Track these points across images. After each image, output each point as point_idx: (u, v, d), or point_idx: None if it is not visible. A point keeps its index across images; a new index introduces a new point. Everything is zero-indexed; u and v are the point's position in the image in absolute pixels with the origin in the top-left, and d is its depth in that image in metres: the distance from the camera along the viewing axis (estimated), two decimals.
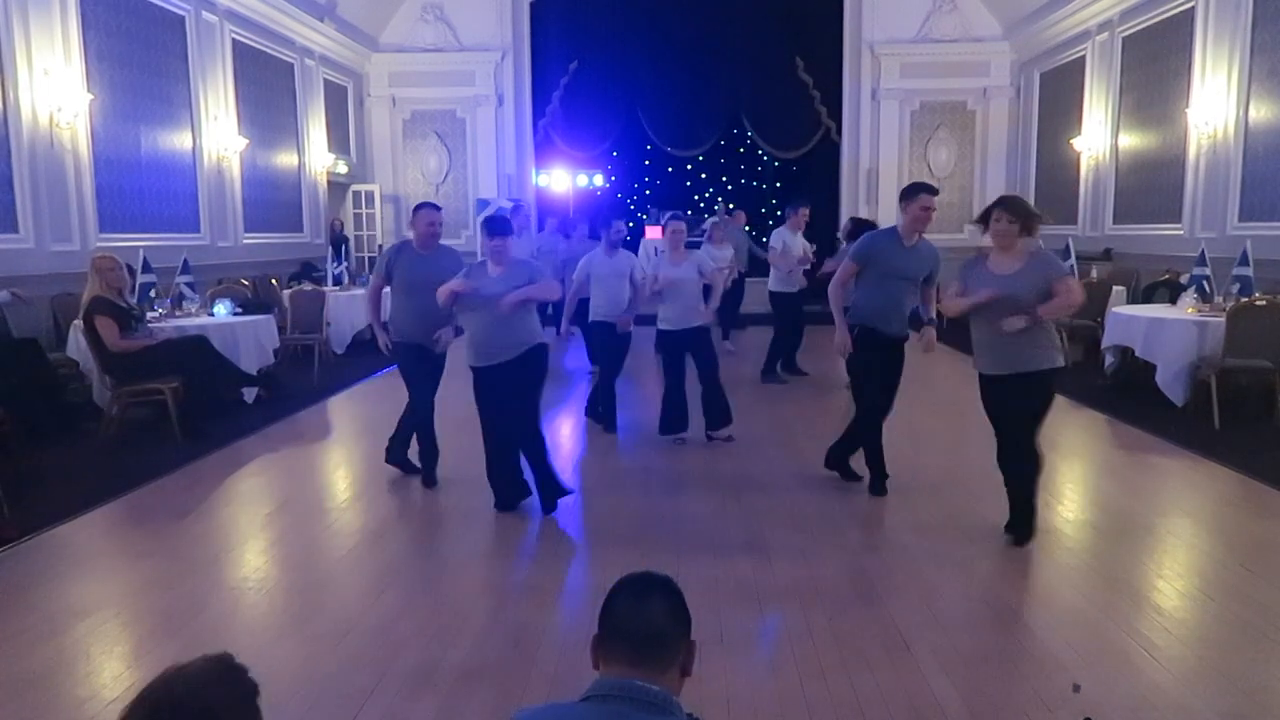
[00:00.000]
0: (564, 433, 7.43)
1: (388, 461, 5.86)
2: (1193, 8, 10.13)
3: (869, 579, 4.13)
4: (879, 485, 5.41)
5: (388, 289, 5.65)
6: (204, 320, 8.00)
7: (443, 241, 5.68)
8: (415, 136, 15.92)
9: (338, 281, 11.39)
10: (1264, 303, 7.20)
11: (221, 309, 8.28)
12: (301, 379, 9.10)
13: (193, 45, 10.56)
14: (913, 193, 5.04)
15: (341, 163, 14.72)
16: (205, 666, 1.36)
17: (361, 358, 10.44)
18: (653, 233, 13.80)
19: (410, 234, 5.82)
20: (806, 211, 9.33)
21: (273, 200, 12.65)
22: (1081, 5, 12.49)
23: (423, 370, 5.55)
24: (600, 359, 7.29)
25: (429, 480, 5.67)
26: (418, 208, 5.68)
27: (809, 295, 9.41)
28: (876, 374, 5.26)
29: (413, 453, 5.82)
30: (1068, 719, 2.90)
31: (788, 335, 9.35)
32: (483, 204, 14.74)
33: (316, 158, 13.83)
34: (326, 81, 14.17)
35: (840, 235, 9.84)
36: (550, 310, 7.72)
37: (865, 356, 5.23)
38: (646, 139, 17.12)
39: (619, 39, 15.81)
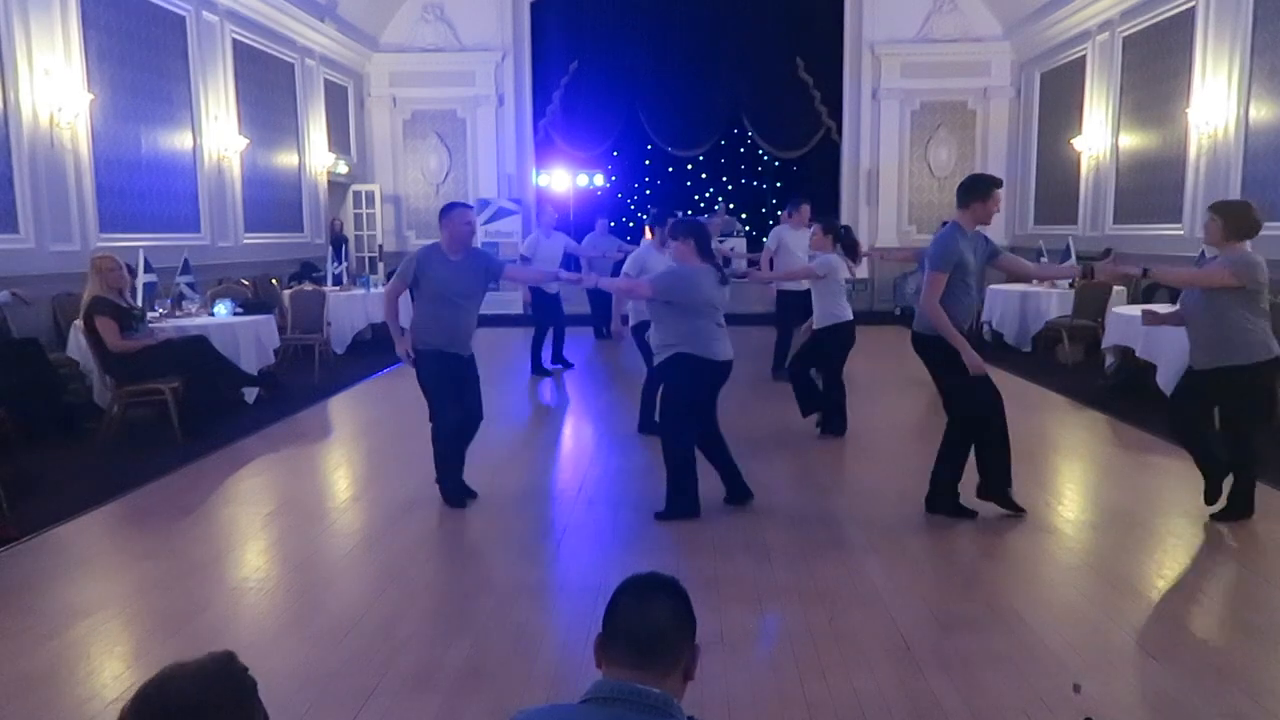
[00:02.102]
0: (567, 433, 7.41)
1: (444, 493, 5.22)
2: (1193, 8, 10.12)
3: (869, 579, 4.12)
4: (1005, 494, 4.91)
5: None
6: (204, 320, 7.99)
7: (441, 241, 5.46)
8: (416, 136, 15.91)
9: (338, 281, 11.38)
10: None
11: (222, 309, 8.28)
12: (302, 379, 9.10)
13: (193, 45, 10.56)
14: (987, 187, 4.83)
15: (342, 163, 14.72)
16: (203, 665, 1.35)
17: (362, 358, 10.45)
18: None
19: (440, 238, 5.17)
20: (807, 209, 8.87)
21: (273, 200, 12.64)
22: (1082, 5, 12.48)
23: (449, 379, 5.09)
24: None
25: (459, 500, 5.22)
26: (451, 207, 5.18)
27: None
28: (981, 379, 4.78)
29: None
30: (1068, 719, 2.90)
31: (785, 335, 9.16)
32: (483, 204, 14.73)
33: (317, 158, 13.82)
34: (327, 81, 14.17)
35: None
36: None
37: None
38: (647, 139, 17.14)
39: (619, 39, 15.82)
